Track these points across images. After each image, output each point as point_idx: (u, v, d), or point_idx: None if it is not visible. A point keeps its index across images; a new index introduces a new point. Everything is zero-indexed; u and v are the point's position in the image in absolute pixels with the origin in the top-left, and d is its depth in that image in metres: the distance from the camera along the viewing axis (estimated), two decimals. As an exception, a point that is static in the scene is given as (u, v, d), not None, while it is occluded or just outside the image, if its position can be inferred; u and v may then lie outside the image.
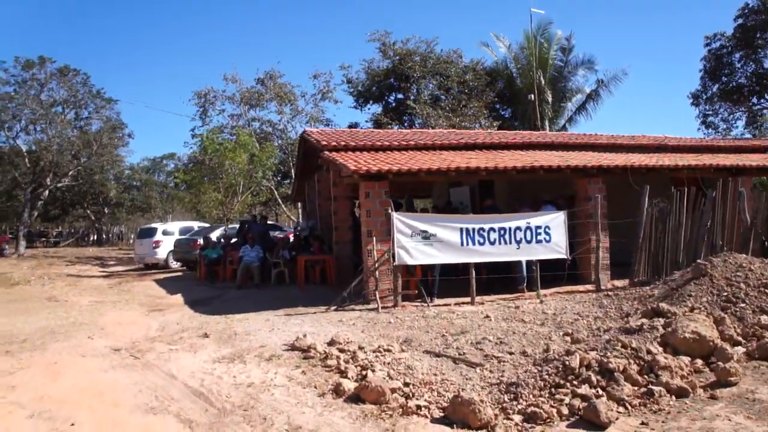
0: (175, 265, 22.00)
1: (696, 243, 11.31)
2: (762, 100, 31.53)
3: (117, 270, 23.01)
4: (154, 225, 25.40)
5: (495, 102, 30.04)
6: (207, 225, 24.98)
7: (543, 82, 29.27)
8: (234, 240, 17.72)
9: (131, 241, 42.50)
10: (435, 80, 28.83)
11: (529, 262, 11.51)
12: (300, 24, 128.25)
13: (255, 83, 29.39)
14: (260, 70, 33.05)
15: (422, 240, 10.53)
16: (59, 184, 36.88)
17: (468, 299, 10.61)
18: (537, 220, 11.23)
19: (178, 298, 13.38)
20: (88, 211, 49.10)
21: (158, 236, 22.58)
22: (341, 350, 7.03)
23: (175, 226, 24.15)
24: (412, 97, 28.18)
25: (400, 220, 10.49)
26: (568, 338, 7.23)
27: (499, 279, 11.42)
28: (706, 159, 14.63)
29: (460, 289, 10.87)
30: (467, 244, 10.74)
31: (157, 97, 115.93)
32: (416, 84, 28.91)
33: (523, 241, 11.06)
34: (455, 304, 10.47)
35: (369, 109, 31.18)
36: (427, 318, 9.14)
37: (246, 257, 14.97)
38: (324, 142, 13.27)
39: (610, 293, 10.27)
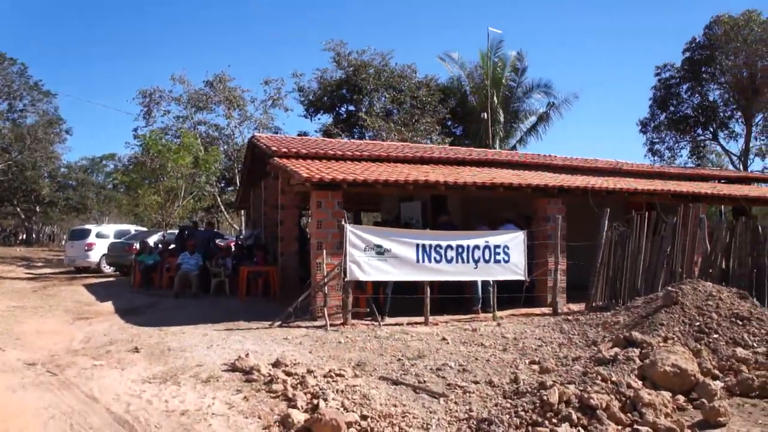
0: (108, 269, 20.78)
1: (655, 269, 11.04)
2: (706, 132, 32.25)
3: (44, 272, 21.56)
4: (87, 226, 24.07)
5: (447, 119, 29.78)
6: (144, 229, 23.81)
7: (496, 102, 29.20)
8: (172, 246, 16.73)
9: (63, 242, 40.35)
10: (388, 94, 28.34)
11: (484, 283, 11.04)
12: (253, 30, 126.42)
13: (204, 85, 28.34)
14: (209, 72, 31.86)
15: (376, 255, 9.90)
16: (-15, 179, 34.81)
17: (421, 319, 10.03)
18: (496, 239, 10.76)
19: (109, 305, 12.38)
20: (18, 209, 46.46)
21: (91, 238, 21.32)
22: (288, 373, 6.32)
23: (110, 229, 22.95)
24: (364, 109, 27.63)
25: (353, 232, 9.84)
26: (535, 367, 6.69)
27: (452, 299, 10.86)
28: (662, 185, 14.52)
29: (412, 309, 10.28)
30: (423, 261, 10.16)
31: (99, 95, 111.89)
32: (369, 96, 28.39)
33: (481, 260, 10.56)
34: (408, 323, 9.86)
35: (319, 119, 30.56)
36: (380, 339, 8.50)
37: (184, 265, 14.04)
38: (274, 148, 12.57)
39: (570, 318, 9.85)
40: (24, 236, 49.58)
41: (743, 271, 10.54)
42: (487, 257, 10.58)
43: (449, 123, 31.00)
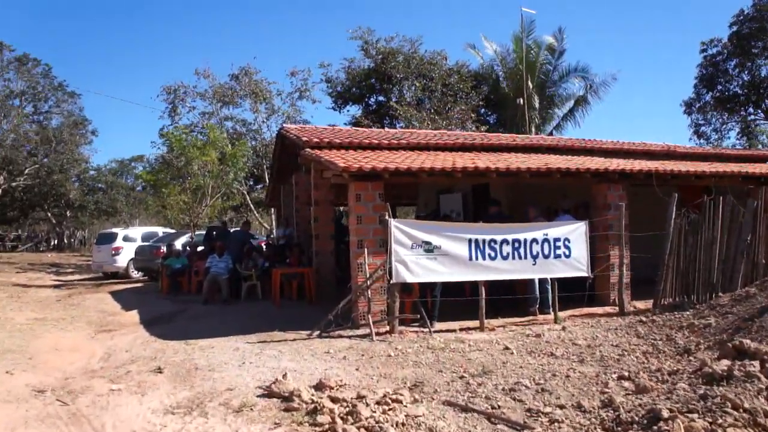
0: (136, 274, 20.05)
1: (734, 260, 9.86)
2: (758, 110, 30.54)
3: (72, 279, 20.91)
4: (114, 230, 23.39)
5: (480, 106, 28.55)
6: (172, 231, 23.08)
7: (531, 87, 27.88)
8: (200, 248, 15.88)
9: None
10: (418, 82, 27.21)
11: (541, 281, 9.96)
12: (278, 19, 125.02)
13: (229, 79, 27.48)
14: (234, 65, 31.10)
15: (424, 253, 8.84)
16: (14, 183, 34.38)
17: (475, 324, 9.02)
18: (556, 231, 9.63)
19: (134, 315, 11.54)
20: (49, 214, 46.18)
21: (118, 242, 20.54)
22: (334, 399, 5.31)
23: (137, 232, 22.18)
24: (394, 99, 26.57)
25: (398, 228, 8.81)
26: (627, 384, 5.58)
27: (503, 299, 9.75)
28: (724, 167, 13.23)
29: (460, 311, 9.30)
30: (476, 259, 9.08)
31: (124, 95, 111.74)
32: (398, 85, 27.34)
33: (540, 255, 9.44)
34: (460, 329, 8.85)
35: (348, 110, 29.55)
36: (435, 350, 7.47)
37: (213, 268, 13.16)
38: (305, 138, 11.58)
39: (643, 319, 8.74)
40: (56, 242, 49.41)
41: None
42: (546, 252, 9.47)
43: (483, 111, 29.77)
